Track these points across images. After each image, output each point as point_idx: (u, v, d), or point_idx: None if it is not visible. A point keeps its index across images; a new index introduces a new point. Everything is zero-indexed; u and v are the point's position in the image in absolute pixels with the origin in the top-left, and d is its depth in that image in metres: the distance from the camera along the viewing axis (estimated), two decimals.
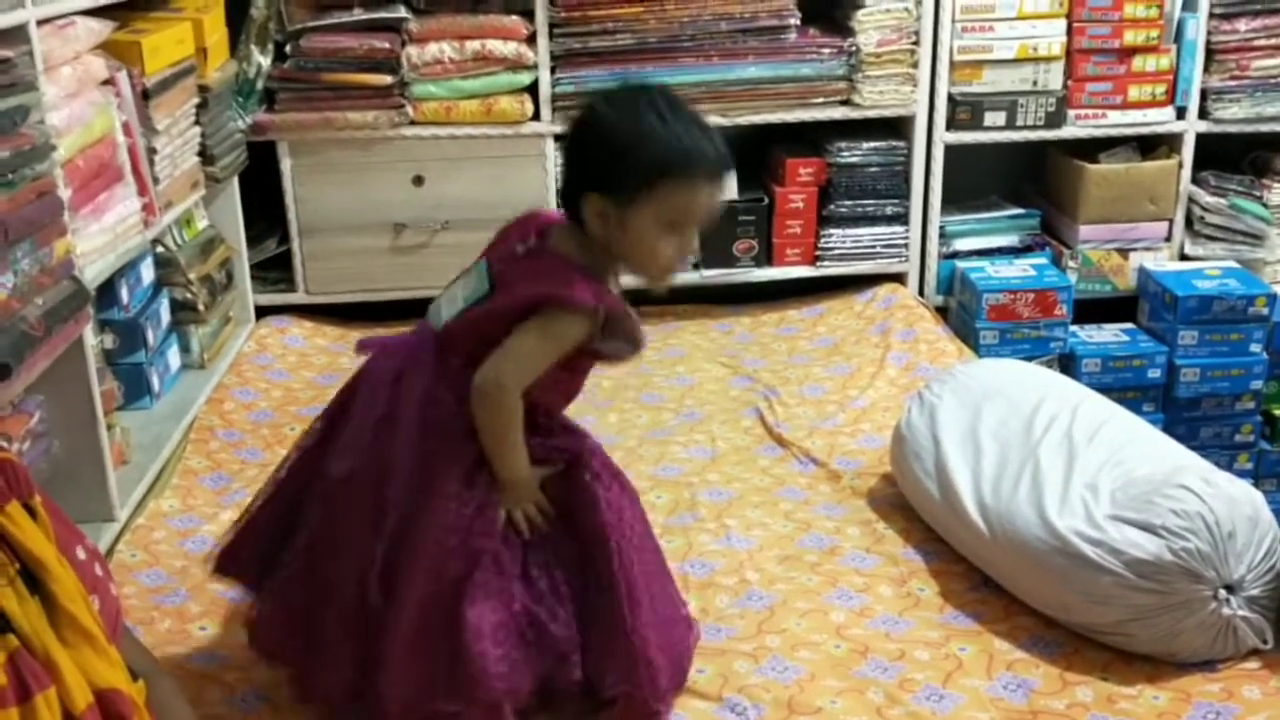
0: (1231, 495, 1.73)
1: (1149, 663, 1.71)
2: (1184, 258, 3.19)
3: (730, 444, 2.44)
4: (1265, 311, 2.96)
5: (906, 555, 2.02)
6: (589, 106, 1.53)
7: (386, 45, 2.84)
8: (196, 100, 2.58)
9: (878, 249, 3.12)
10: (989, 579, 1.92)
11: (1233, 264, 3.12)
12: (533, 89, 2.93)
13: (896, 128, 3.12)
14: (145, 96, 2.32)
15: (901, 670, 1.72)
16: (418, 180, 2.96)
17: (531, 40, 2.90)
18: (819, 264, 3.12)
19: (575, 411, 1.69)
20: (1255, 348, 2.99)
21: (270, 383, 2.71)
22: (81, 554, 1.32)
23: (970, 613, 1.86)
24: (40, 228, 1.84)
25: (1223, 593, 1.68)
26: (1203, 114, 3.11)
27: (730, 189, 3.01)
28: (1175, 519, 1.69)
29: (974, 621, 1.84)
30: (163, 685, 1.38)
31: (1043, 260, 3.15)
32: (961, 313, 3.11)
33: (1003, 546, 1.86)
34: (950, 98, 3.05)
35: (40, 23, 1.91)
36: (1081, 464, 1.88)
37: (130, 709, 1.25)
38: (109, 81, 2.18)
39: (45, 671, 1.17)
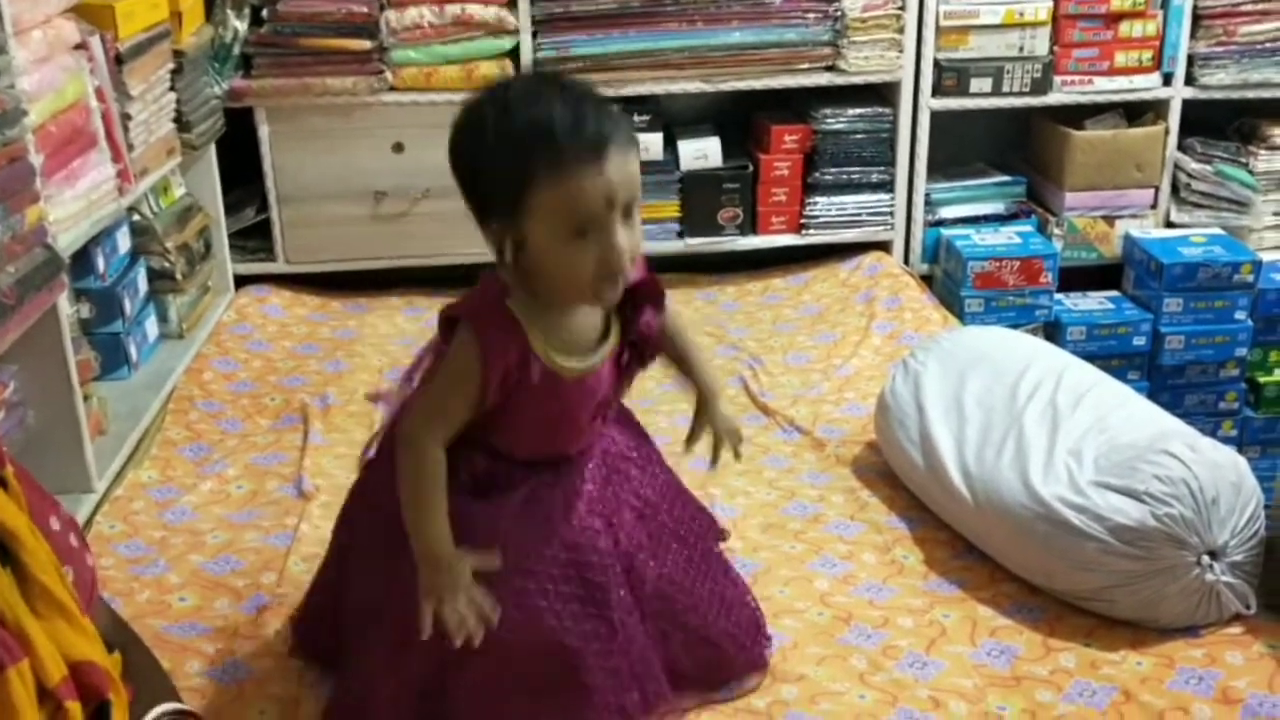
0: (1215, 461, 1.73)
1: (1132, 628, 1.71)
2: (1170, 225, 3.18)
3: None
4: (1250, 279, 2.96)
5: (890, 523, 2.02)
6: (451, 135, 1.33)
7: (365, 9, 2.80)
8: (171, 66, 2.54)
9: (863, 217, 3.10)
10: (973, 546, 1.92)
11: (1218, 231, 3.11)
12: (514, 54, 2.90)
13: (882, 94, 3.09)
14: (119, 61, 2.28)
15: (885, 637, 1.72)
16: (398, 147, 2.92)
17: (512, 4, 2.86)
18: (804, 232, 3.10)
19: None
20: (1240, 315, 2.99)
21: (250, 353, 2.69)
22: (56, 525, 1.30)
23: (954, 580, 1.86)
24: (11, 194, 1.81)
25: (1206, 558, 1.68)
26: (1189, 80, 3.09)
27: (713, 155, 3.01)
28: (1159, 485, 1.68)
29: (957, 588, 1.84)
30: (139, 656, 1.37)
31: (1028, 228, 3.14)
32: (947, 280, 3.10)
33: (986, 513, 1.86)
34: (936, 63, 3.03)
35: None
36: (1065, 431, 1.87)
37: (105, 681, 1.23)
38: (81, 46, 2.14)
39: (18, 644, 1.15)
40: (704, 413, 1.54)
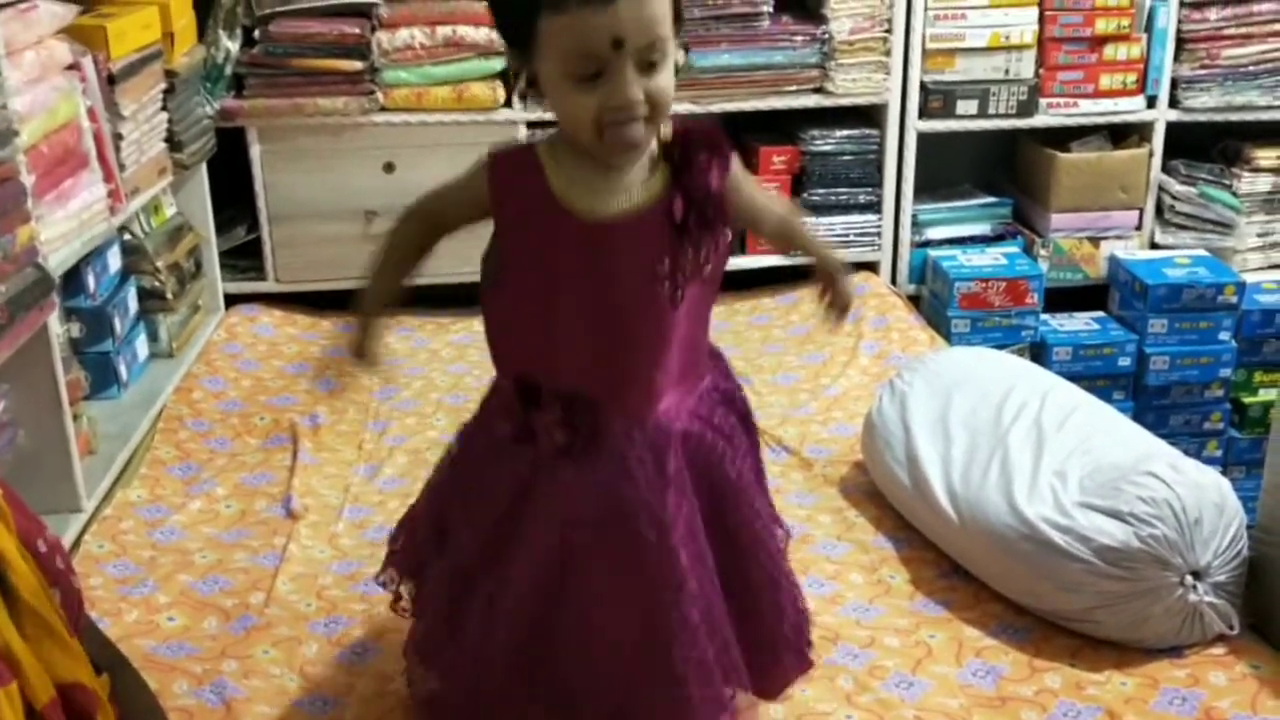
0: (1198, 482, 1.74)
1: (1116, 649, 1.72)
2: (1154, 246, 3.21)
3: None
4: (1234, 300, 2.98)
5: (877, 543, 2.03)
6: None
7: (357, 30, 2.81)
8: (163, 86, 2.55)
9: (850, 237, 3.12)
10: (959, 566, 1.93)
11: (1202, 252, 3.14)
12: (504, 75, 2.91)
13: (869, 116, 3.12)
14: (111, 82, 2.29)
15: (871, 657, 1.72)
16: (389, 167, 2.94)
17: None
18: (792, 253, 3.11)
19: None
20: (1224, 336, 3.01)
21: (240, 372, 2.69)
22: (43, 546, 1.30)
23: (940, 600, 1.87)
24: (2, 214, 1.82)
25: (1189, 579, 1.70)
26: (1173, 103, 3.12)
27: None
28: (1143, 506, 1.70)
29: (943, 609, 1.85)
30: (127, 678, 1.37)
31: (1014, 249, 3.16)
32: (933, 301, 3.12)
33: (972, 534, 1.87)
34: (923, 86, 3.06)
35: (1, 6, 1.88)
36: (1050, 451, 1.89)
37: (94, 703, 1.24)
38: (74, 66, 2.16)
39: (6, 666, 1.15)
40: (831, 285, 1.49)
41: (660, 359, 1.33)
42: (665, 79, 1.20)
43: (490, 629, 1.37)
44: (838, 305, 1.50)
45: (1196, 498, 1.72)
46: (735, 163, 1.33)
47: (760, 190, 1.43)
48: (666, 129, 1.28)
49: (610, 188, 1.26)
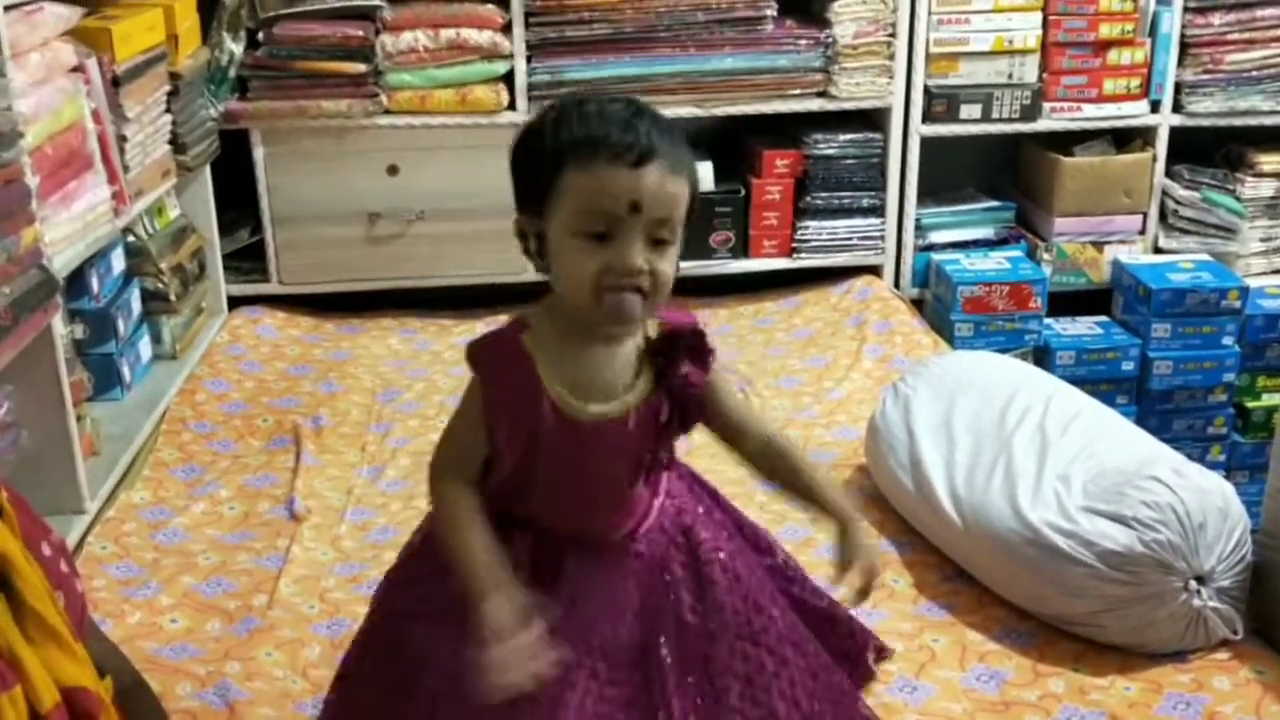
0: (1202, 487, 1.74)
1: (1120, 653, 1.72)
2: (1158, 251, 3.21)
3: (705, 436, 2.42)
4: (1237, 304, 2.98)
5: (881, 547, 2.02)
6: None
7: (360, 33, 2.82)
8: (168, 88, 2.55)
9: (854, 241, 3.12)
10: (962, 570, 1.93)
11: (1206, 257, 3.14)
12: (508, 78, 2.92)
13: (873, 120, 3.12)
14: (115, 84, 2.29)
15: None
16: (392, 170, 2.94)
17: (507, 29, 2.88)
18: (795, 256, 3.12)
19: None
20: (1227, 340, 3.01)
21: (243, 374, 2.69)
22: (47, 550, 1.30)
23: (943, 604, 1.87)
24: (7, 216, 1.82)
25: (1193, 584, 1.69)
26: (1177, 107, 3.12)
27: (705, 179, 3.02)
28: (1146, 510, 1.69)
29: (947, 613, 1.84)
30: (131, 681, 1.37)
31: (1018, 253, 3.16)
32: (937, 305, 3.12)
33: (976, 538, 1.87)
34: (926, 90, 3.06)
35: (7, 8, 1.89)
36: (1054, 456, 1.89)
37: (97, 707, 1.23)
38: (78, 68, 2.16)
39: (10, 670, 1.15)
40: (847, 541, 1.37)
41: (625, 512, 1.35)
42: (669, 262, 1.21)
43: None
44: (864, 579, 1.34)
45: (1200, 502, 1.71)
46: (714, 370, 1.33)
47: (741, 401, 1.38)
48: (653, 327, 1.28)
49: (598, 385, 1.26)
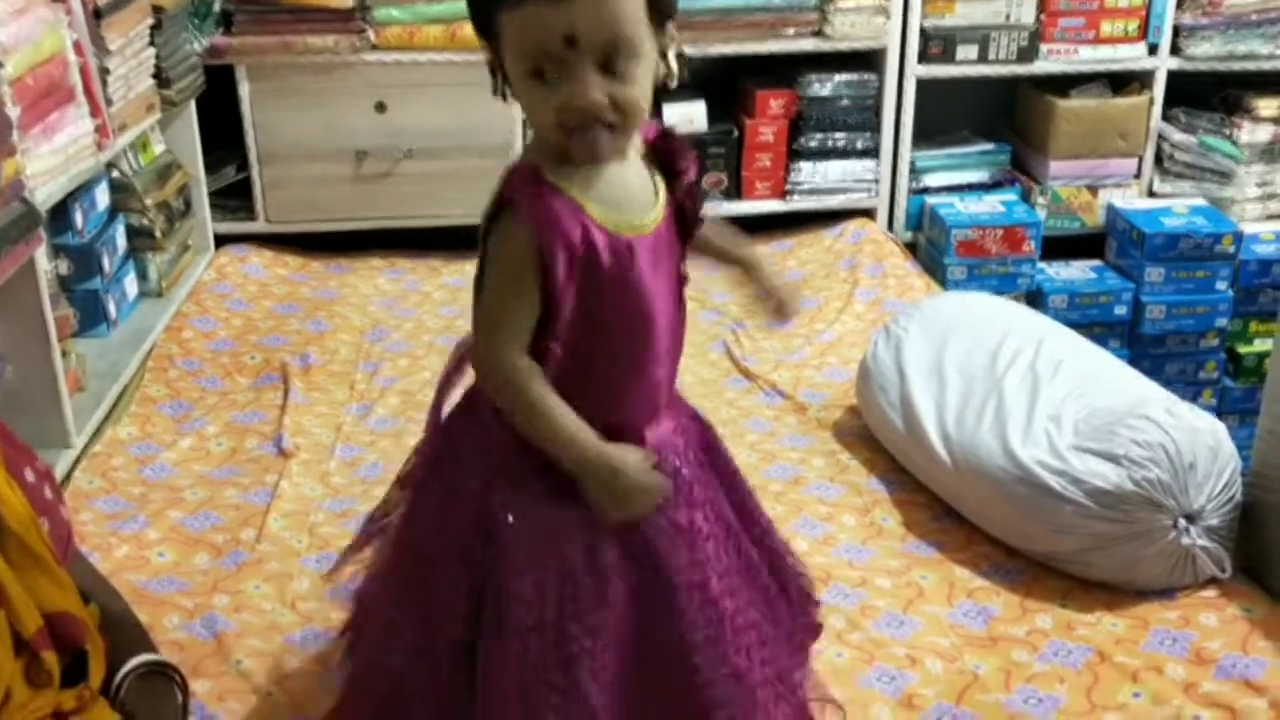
0: (1194, 426, 1.74)
1: (1108, 590, 1.73)
2: (1153, 195, 3.19)
3: (697, 376, 2.43)
4: (1231, 249, 2.97)
5: (870, 486, 2.02)
6: None
7: None
8: (150, 21, 2.51)
9: (848, 184, 3.10)
10: (951, 509, 1.93)
11: (1201, 202, 3.12)
12: None
13: (868, 60, 3.08)
14: (97, 15, 2.25)
15: (863, 597, 1.73)
16: (380, 107, 2.90)
17: None
18: (789, 198, 3.09)
19: None
20: (1221, 285, 3.00)
21: (230, 312, 2.67)
22: (31, 476, 1.29)
23: (932, 542, 1.87)
24: None
25: (1182, 522, 1.69)
26: (1175, 50, 3.08)
27: (698, 119, 2.99)
28: (1137, 449, 1.69)
29: (935, 550, 1.85)
30: (116, 609, 1.36)
31: (1012, 196, 3.14)
32: (930, 248, 3.10)
33: (965, 477, 1.87)
34: (922, 30, 3.02)
35: None
36: (1045, 396, 1.88)
37: (82, 631, 1.23)
38: None
39: None
40: (759, 277, 1.40)
41: (676, 369, 1.30)
42: (634, 85, 1.12)
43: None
44: (780, 290, 1.39)
45: (1191, 441, 1.71)
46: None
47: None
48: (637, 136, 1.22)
49: (628, 197, 1.19)
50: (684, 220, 1.25)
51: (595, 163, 1.16)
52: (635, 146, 1.22)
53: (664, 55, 1.16)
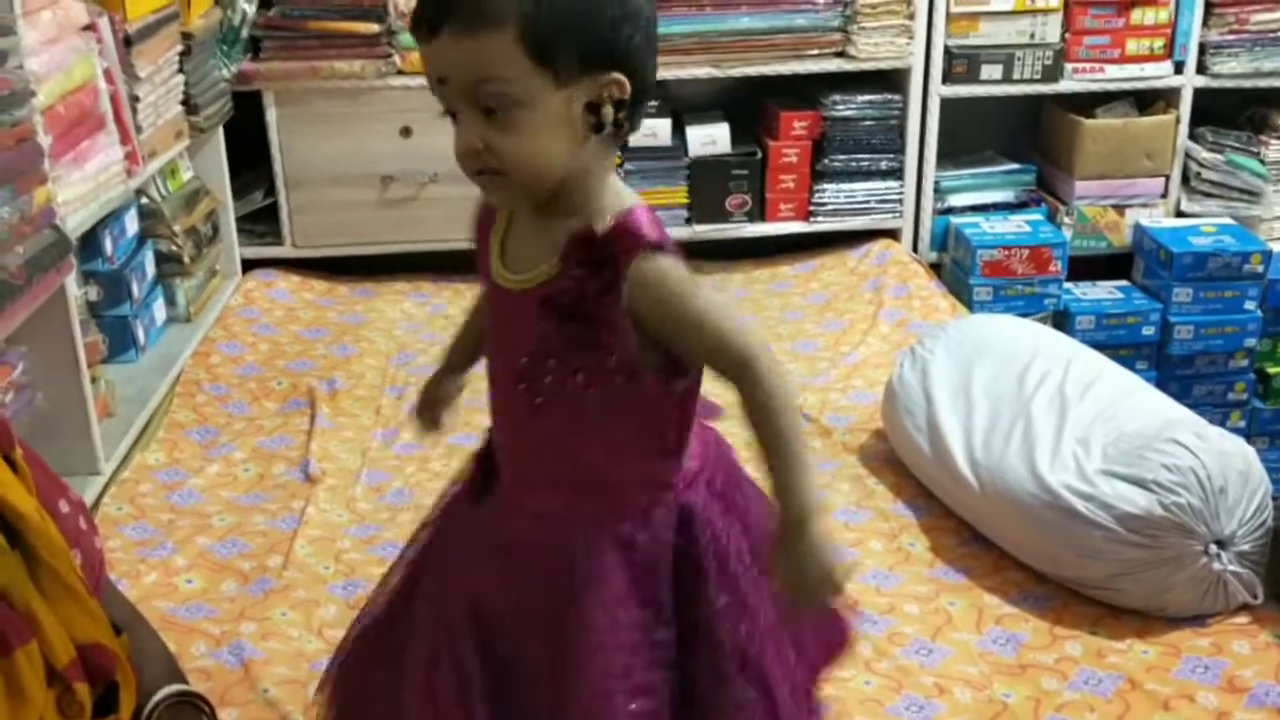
0: (1223, 450, 1.72)
1: (1138, 617, 1.71)
2: (1180, 214, 3.17)
3: (721, 400, 2.41)
4: (1260, 269, 2.95)
5: (897, 510, 2.01)
6: None
7: None
8: (180, 48, 2.54)
9: (872, 204, 3.09)
10: (979, 534, 1.92)
11: (1228, 221, 3.10)
12: None
13: (892, 81, 3.08)
14: (127, 43, 2.28)
15: (890, 624, 1.72)
16: (405, 132, 2.92)
17: None
18: (812, 219, 3.09)
19: None
20: (1250, 305, 2.98)
21: (257, 336, 2.69)
22: (65, 507, 1.30)
23: (960, 568, 1.86)
24: (19, 175, 1.81)
25: (1213, 548, 1.68)
26: (1201, 68, 3.07)
27: (721, 141, 2.99)
28: (1166, 473, 1.68)
29: (964, 576, 1.83)
30: (146, 639, 1.37)
31: (1038, 216, 3.12)
32: (955, 269, 3.09)
33: (993, 501, 1.85)
34: (947, 50, 3.01)
35: None
36: (1073, 419, 1.87)
37: (113, 662, 1.23)
38: (90, 27, 2.14)
39: (26, 625, 1.15)
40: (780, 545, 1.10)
41: (527, 456, 1.19)
42: (515, 134, 1.01)
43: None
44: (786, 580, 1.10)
45: (1221, 465, 1.70)
46: (668, 273, 1.05)
47: (717, 317, 1.09)
48: (601, 223, 1.06)
49: (519, 253, 1.11)
50: (561, 316, 1.08)
51: (497, 207, 1.15)
52: (576, 209, 1.08)
53: (594, 106, 1.03)
